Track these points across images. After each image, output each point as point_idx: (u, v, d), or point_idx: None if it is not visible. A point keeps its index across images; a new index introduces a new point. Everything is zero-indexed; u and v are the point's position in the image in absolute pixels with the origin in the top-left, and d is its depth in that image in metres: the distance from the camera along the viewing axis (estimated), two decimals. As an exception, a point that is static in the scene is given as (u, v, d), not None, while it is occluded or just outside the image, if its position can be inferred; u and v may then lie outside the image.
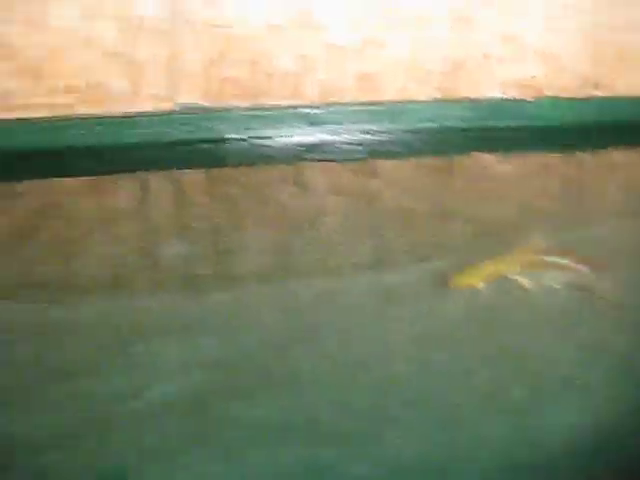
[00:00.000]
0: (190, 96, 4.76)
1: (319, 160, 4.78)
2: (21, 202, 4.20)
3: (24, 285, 3.22)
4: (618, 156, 5.18)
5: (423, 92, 5.08)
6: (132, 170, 4.63)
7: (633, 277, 3.28)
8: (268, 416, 2.34)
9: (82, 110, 4.66)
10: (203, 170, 4.75)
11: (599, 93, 5.32)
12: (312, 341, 2.77)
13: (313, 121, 4.84)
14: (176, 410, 2.39)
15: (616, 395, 2.56)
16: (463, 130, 5.06)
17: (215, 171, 4.76)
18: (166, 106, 4.76)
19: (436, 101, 5.10)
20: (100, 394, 2.46)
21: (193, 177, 4.71)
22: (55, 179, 4.50)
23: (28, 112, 4.54)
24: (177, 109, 4.76)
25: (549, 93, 5.23)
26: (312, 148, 4.87)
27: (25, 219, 3.97)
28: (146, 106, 4.73)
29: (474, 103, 5.14)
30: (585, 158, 5.18)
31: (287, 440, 2.25)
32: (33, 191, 4.36)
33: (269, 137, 4.82)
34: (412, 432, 2.31)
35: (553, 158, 5.20)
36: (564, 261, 3.10)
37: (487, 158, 4.98)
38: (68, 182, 4.49)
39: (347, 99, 4.95)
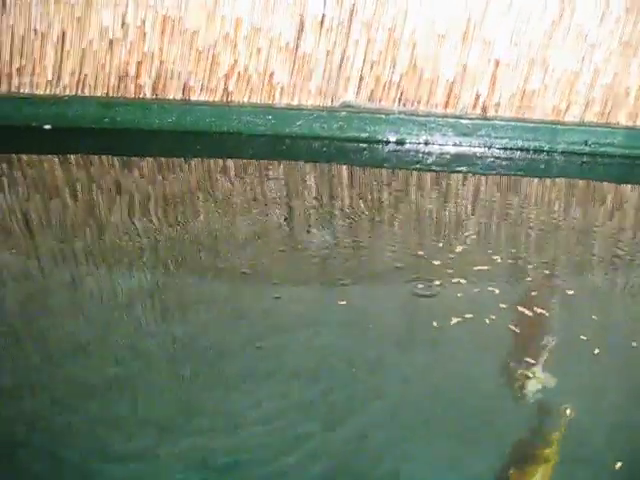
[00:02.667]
0: (352, 95, 4.96)
1: (466, 171, 4.88)
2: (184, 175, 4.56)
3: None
4: None
5: (581, 115, 5.09)
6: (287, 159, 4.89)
7: None
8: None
9: (250, 99, 4.96)
10: (354, 167, 4.93)
11: None
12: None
13: (465, 132, 4.94)
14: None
15: None
16: (615, 157, 5.04)
17: (367, 170, 4.93)
18: (328, 102, 4.99)
19: (593, 125, 5.09)
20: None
21: (344, 173, 4.90)
22: (217, 159, 4.85)
23: (203, 96, 4.89)
24: (338, 106, 4.97)
25: None
26: (460, 158, 4.98)
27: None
28: (309, 100, 4.98)
29: (632, 131, 5.09)
30: None
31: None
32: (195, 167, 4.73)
33: (422, 142, 4.96)
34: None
35: None
36: None
37: (633, 188, 4.98)
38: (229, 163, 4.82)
39: (503, 114, 5.01)
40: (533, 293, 3.40)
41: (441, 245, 3.77)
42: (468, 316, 3.11)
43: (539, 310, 3.19)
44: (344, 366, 2.82)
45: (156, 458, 2.34)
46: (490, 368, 2.87)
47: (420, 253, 3.65)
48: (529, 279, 3.52)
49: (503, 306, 3.21)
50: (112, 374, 2.73)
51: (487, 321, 3.09)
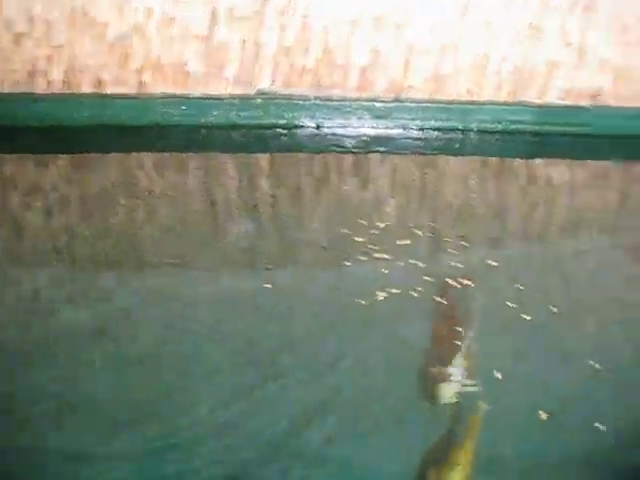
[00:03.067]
0: (267, 82, 4.98)
1: (383, 152, 4.96)
2: (101, 174, 4.48)
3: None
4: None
5: (490, 95, 5.24)
6: (204, 149, 4.88)
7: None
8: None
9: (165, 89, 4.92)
10: (274, 154, 4.95)
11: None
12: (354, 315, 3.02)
13: (381, 115, 5.02)
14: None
15: None
16: (525, 133, 5.21)
17: (284, 156, 4.96)
18: (243, 90, 4.99)
19: (502, 104, 5.24)
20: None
21: (264, 160, 4.92)
22: (133, 153, 4.79)
23: (116, 88, 4.81)
24: (253, 94, 4.97)
25: (610, 102, 5.35)
26: (378, 140, 5.06)
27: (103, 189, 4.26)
28: (225, 89, 4.97)
29: (537, 108, 5.27)
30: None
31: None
32: (113, 163, 4.66)
33: (338, 126, 5.02)
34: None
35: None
36: None
37: (545, 163, 5.17)
38: (144, 156, 4.77)
39: (416, 96, 5.11)
40: (455, 265, 3.49)
41: (365, 223, 3.82)
42: (395, 291, 3.17)
43: (462, 281, 3.29)
44: (271, 347, 2.85)
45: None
46: (417, 344, 2.94)
47: (344, 231, 3.70)
48: (450, 251, 3.61)
49: (427, 279, 3.29)
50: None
51: (414, 294, 3.16)
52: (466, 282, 3.29)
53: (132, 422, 2.44)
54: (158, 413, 2.50)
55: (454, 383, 2.63)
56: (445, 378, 2.65)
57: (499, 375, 2.67)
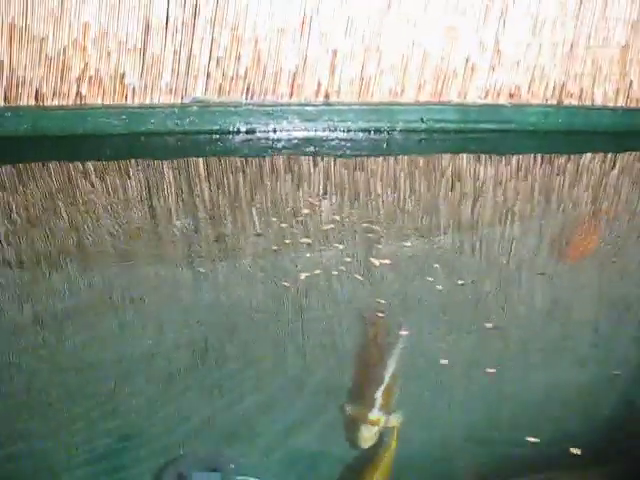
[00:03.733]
0: (201, 91, 5.23)
1: (314, 154, 5.24)
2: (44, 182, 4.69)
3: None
4: (589, 160, 5.68)
5: (416, 95, 5.56)
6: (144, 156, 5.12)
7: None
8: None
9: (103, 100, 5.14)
10: (209, 159, 5.20)
11: (573, 102, 5.81)
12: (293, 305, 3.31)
13: (310, 118, 5.31)
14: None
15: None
16: (449, 132, 5.53)
17: (221, 159, 5.21)
18: (179, 99, 5.24)
19: (427, 104, 5.56)
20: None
21: (200, 165, 5.16)
22: (76, 162, 5.00)
23: (56, 101, 5.03)
24: (189, 102, 5.22)
25: (526, 100, 5.70)
26: (308, 142, 5.34)
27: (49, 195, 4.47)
28: (161, 98, 5.21)
29: (462, 107, 5.59)
30: (559, 161, 5.66)
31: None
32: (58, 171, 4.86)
33: (271, 130, 5.29)
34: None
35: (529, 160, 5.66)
36: None
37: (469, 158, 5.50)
38: (87, 165, 4.98)
39: (343, 99, 5.40)
40: (375, 248, 3.80)
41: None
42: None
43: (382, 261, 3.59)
44: (201, 333, 3.11)
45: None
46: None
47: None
48: (370, 236, 3.94)
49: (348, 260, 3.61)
50: None
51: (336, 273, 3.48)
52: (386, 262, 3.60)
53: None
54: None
55: (374, 427, 2.54)
56: (365, 421, 2.56)
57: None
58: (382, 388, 2.72)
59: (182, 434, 2.61)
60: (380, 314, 3.26)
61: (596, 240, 4.33)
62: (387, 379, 2.78)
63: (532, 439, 2.54)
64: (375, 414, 2.58)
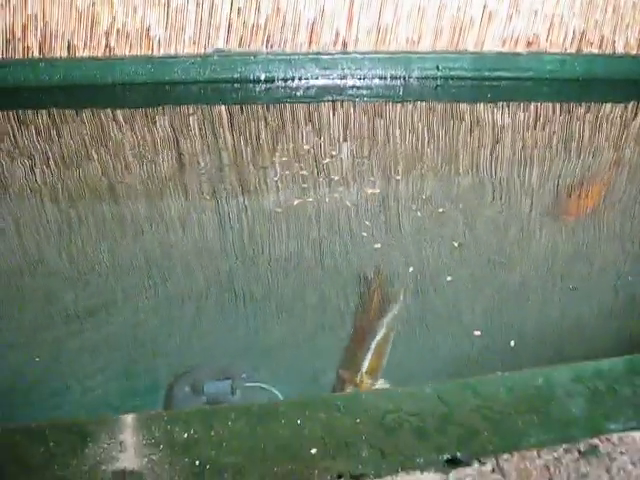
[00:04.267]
0: (222, 41, 5.46)
1: (332, 101, 5.43)
2: (77, 127, 5.00)
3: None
4: (608, 110, 5.74)
5: (432, 44, 5.68)
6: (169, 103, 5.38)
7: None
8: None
9: (130, 52, 5.41)
10: (231, 106, 5.43)
11: (593, 50, 5.85)
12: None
13: (328, 66, 5.49)
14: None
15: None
16: (465, 79, 5.65)
17: (243, 107, 5.45)
18: (201, 49, 5.47)
19: (443, 52, 5.68)
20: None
21: (223, 112, 5.40)
22: (106, 109, 5.29)
23: (86, 52, 5.32)
24: (211, 52, 5.46)
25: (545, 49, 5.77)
26: (326, 90, 5.53)
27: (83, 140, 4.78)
28: (184, 49, 5.46)
29: (478, 55, 5.70)
30: (577, 110, 5.73)
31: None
32: (87, 118, 5.16)
33: (290, 79, 5.49)
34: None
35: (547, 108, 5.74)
36: None
37: (487, 107, 5.61)
38: (117, 112, 5.27)
39: (360, 48, 5.56)
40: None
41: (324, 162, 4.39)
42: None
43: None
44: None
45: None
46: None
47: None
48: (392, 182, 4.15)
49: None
50: None
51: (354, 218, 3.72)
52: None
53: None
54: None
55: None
56: (354, 383, 2.56)
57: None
58: (370, 352, 2.74)
59: (195, 346, 2.86)
60: (384, 266, 3.44)
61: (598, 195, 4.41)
62: (376, 343, 2.79)
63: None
64: (360, 378, 2.59)
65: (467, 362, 2.82)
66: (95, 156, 4.54)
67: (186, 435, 1.60)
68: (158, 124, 5.15)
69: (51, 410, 2.53)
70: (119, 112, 5.28)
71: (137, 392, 2.64)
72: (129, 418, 1.67)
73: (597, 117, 5.68)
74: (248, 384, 2.60)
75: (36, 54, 5.34)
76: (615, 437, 1.74)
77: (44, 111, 5.24)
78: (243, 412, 1.70)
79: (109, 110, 5.30)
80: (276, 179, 4.22)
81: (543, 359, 2.72)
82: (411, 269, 3.33)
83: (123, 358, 2.79)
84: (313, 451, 1.57)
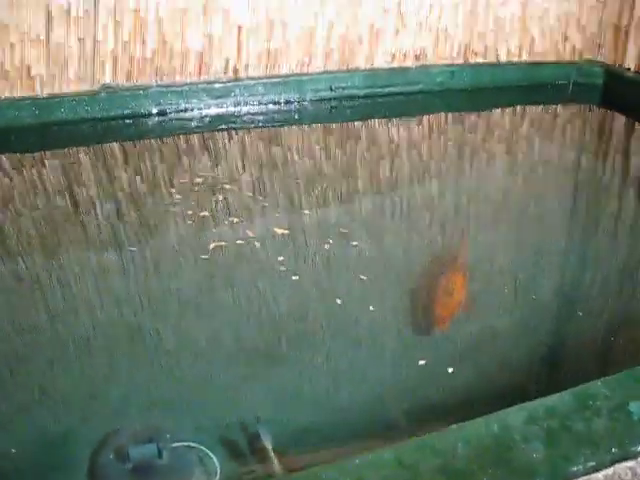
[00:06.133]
0: (109, 76, 5.27)
1: (227, 129, 5.34)
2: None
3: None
4: (498, 116, 5.90)
5: (323, 65, 5.68)
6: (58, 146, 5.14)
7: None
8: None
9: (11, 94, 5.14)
10: (124, 143, 5.25)
11: (478, 60, 6.00)
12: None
13: (221, 95, 5.39)
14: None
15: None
16: (358, 98, 5.68)
17: (136, 143, 5.27)
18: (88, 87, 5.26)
19: (335, 72, 5.69)
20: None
21: (116, 149, 5.21)
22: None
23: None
24: (98, 89, 5.26)
25: (433, 61, 5.88)
26: (221, 119, 5.43)
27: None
28: (70, 87, 5.23)
29: (369, 72, 5.74)
30: (469, 118, 5.86)
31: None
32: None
33: (183, 110, 5.36)
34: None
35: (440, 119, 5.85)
36: None
37: (381, 122, 5.66)
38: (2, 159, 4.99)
39: (252, 73, 5.49)
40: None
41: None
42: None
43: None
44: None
45: None
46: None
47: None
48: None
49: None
50: None
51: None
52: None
53: None
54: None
55: None
56: None
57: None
58: None
59: (115, 409, 2.69)
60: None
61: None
62: None
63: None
64: None
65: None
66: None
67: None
68: (48, 168, 4.91)
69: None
70: (4, 158, 4.99)
71: (56, 465, 2.48)
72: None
73: (488, 123, 5.84)
74: (175, 444, 2.48)
75: None
76: (581, 481, 1.74)
77: None
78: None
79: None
80: (177, 214, 4.08)
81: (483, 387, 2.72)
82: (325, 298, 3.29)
83: (35, 427, 2.61)
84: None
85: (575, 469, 1.75)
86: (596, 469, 1.74)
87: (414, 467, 1.72)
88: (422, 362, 2.86)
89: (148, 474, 2.39)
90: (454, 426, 1.89)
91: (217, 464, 2.39)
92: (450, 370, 2.80)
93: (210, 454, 2.43)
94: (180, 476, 2.40)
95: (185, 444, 2.46)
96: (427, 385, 2.83)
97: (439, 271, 3.62)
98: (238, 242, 3.73)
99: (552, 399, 1.99)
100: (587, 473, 1.73)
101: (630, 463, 1.69)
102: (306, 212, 4.13)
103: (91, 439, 2.49)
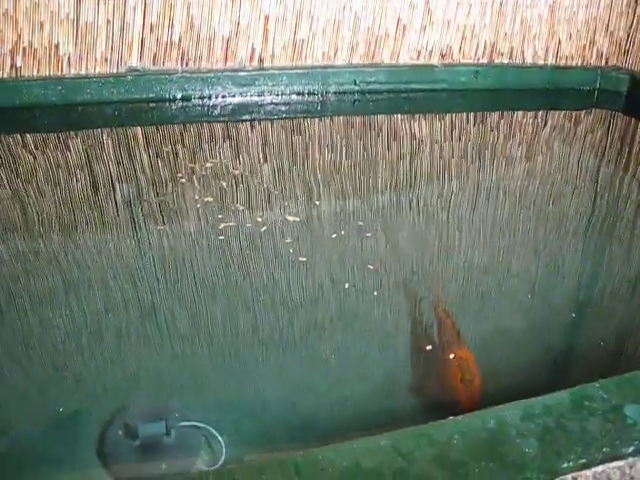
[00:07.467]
0: (136, 59, 5.31)
1: (250, 120, 5.37)
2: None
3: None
4: (520, 118, 5.89)
5: (348, 58, 5.69)
6: (82, 127, 5.19)
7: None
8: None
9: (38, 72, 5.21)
10: (147, 127, 5.30)
11: (504, 60, 5.99)
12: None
13: (245, 83, 5.42)
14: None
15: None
16: (381, 92, 5.69)
17: (159, 128, 5.32)
18: (114, 68, 5.32)
19: (360, 66, 5.70)
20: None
21: (138, 133, 5.26)
22: (14, 134, 5.07)
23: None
24: (124, 71, 5.31)
25: (458, 60, 5.88)
26: (244, 107, 5.46)
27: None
28: (96, 68, 5.28)
29: (393, 68, 5.75)
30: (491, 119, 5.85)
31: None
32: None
33: (206, 97, 5.40)
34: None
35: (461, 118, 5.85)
36: None
37: (404, 119, 5.66)
38: (27, 137, 5.06)
39: (277, 63, 5.52)
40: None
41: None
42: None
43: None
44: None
45: None
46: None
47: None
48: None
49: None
50: None
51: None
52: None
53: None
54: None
55: None
56: None
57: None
58: None
59: (126, 387, 2.74)
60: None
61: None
62: None
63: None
64: None
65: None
66: (5, 184, 4.33)
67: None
68: (71, 148, 4.97)
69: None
70: (29, 137, 5.06)
71: (67, 440, 2.53)
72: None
73: (510, 125, 5.82)
74: (183, 423, 2.53)
75: (-63, 76, 5.09)
76: (569, 477, 1.76)
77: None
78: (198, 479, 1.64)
79: (17, 135, 5.08)
80: (196, 201, 4.11)
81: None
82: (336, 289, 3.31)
83: (47, 404, 2.66)
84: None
85: (565, 465, 1.77)
86: (586, 466, 1.76)
87: (410, 455, 1.75)
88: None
89: (156, 451, 2.45)
90: (452, 418, 1.92)
91: (223, 445, 2.43)
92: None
93: (217, 435, 2.48)
94: (187, 455, 2.45)
95: (194, 423, 2.51)
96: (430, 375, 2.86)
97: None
98: (251, 228, 3.77)
99: (550, 398, 2.01)
100: (577, 470, 1.75)
101: (620, 463, 1.72)
102: (320, 203, 4.15)
103: (101, 416, 2.55)
